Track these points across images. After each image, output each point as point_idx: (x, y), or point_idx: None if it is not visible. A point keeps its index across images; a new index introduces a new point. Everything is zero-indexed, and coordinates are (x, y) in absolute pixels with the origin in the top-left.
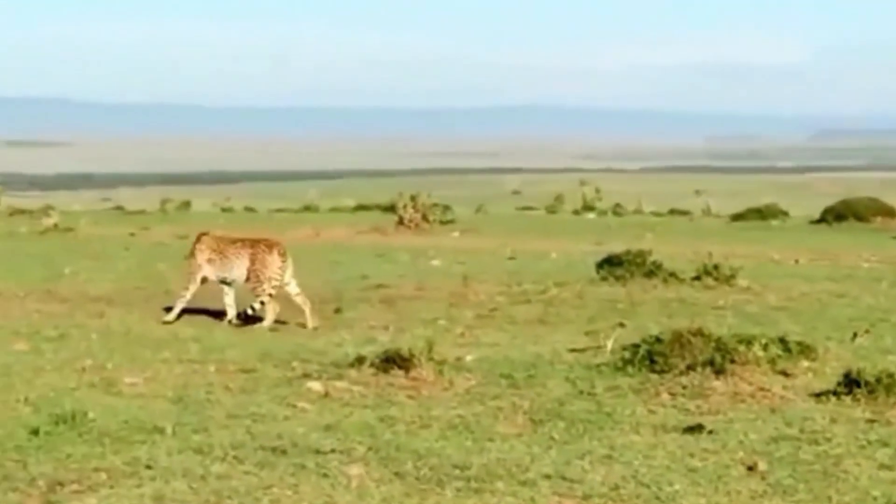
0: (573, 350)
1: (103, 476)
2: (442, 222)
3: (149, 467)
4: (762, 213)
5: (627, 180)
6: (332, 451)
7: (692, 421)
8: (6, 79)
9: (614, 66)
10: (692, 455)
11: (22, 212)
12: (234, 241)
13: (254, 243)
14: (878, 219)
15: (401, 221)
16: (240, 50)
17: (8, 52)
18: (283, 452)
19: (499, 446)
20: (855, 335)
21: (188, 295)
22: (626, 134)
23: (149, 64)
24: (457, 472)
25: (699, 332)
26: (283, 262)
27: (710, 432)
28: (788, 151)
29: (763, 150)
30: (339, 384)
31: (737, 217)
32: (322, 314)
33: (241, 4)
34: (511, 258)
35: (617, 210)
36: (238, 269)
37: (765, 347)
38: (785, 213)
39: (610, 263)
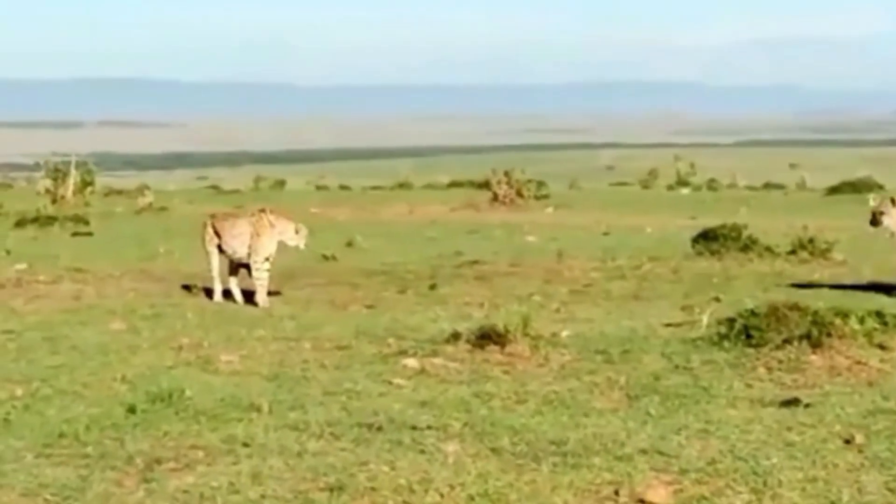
0: (668, 325)
1: (200, 454)
2: (536, 198)
3: (245, 445)
4: (857, 187)
5: (721, 155)
6: (428, 427)
7: (789, 395)
8: (103, 60)
9: (706, 41)
10: (789, 429)
11: (118, 192)
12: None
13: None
14: None
15: (495, 197)
16: (330, 29)
17: (108, 34)
18: (380, 429)
19: (595, 421)
20: None
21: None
22: (718, 108)
23: (243, 44)
24: (553, 447)
25: (795, 306)
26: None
27: (807, 406)
28: (877, 125)
29: (858, 122)
30: (435, 360)
31: (832, 190)
32: (417, 290)
33: None
34: (605, 233)
35: (711, 184)
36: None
37: (861, 321)
38: (881, 187)
39: (705, 238)
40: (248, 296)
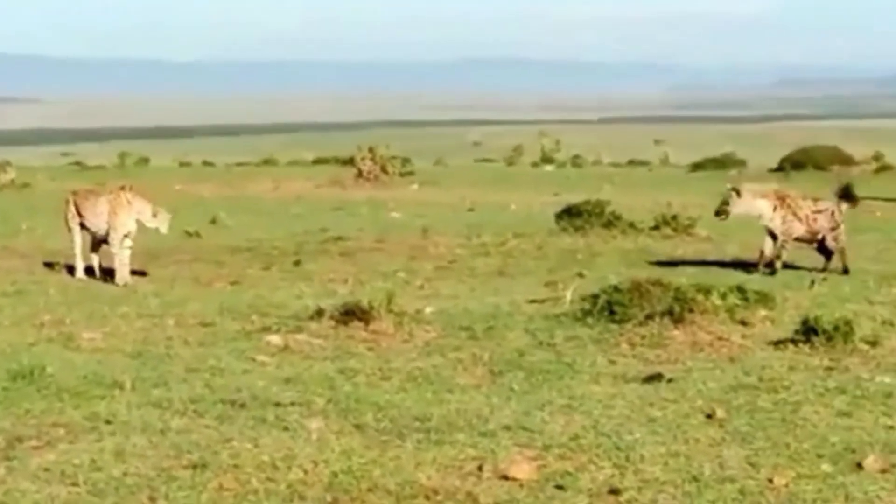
0: (533, 301)
1: (62, 431)
2: (401, 175)
3: (108, 422)
4: (721, 163)
5: (587, 131)
6: (292, 403)
7: (651, 370)
8: None
9: (575, 17)
10: (651, 404)
11: None
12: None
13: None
14: (836, 167)
15: (360, 174)
16: (198, 4)
17: None
18: (243, 406)
19: (459, 398)
20: (812, 283)
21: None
22: (586, 85)
23: (113, 20)
24: (417, 423)
25: (658, 282)
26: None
27: (670, 381)
28: (749, 101)
29: (724, 99)
30: (299, 337)
31: (695, 167)
32: (282, 267)
33: None
34: (470, 210)
35: (576, 161)
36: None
37: (723, 296)
38: (743, 163)
39: (569, 214)
40: (112, 273)
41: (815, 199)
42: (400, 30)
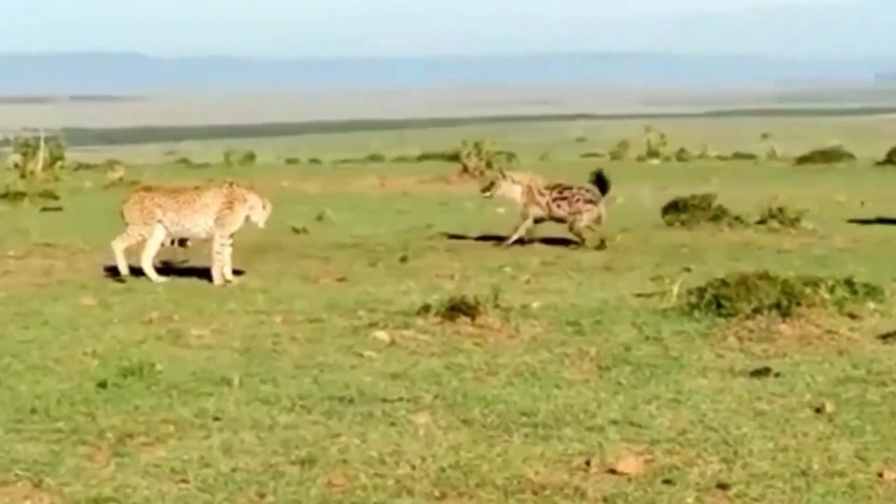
0: (639, 295)
1: (171, 428)
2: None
3: (217, 418)
4: (827, 156)
5: (692, 125)
6: (399, 399)
7: (759, 364)
8: (76, 34)
9: (678, 10)
10: (759, 398)
11: (87, 166)
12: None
13: None
14: None
15: (465, 170)
16: (284, 2)
17: (78, 7)
18: (351, 401)
19: (566, 392)
20: None
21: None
22: (690, 78)
23: (213, 18)
24: (524, 418)
25: (765, 276)
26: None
27: (778, 375)
28: (855, 93)
29: (829, 92)
30: (406, 333)
31: (802, 160)
32: (388, 263)
33: None
34: None
35: (681, 155)
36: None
37: (831, 290)
38: (850, 156)
39: (675, 208)
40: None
41: (563, 188)
42: (502, 24)
